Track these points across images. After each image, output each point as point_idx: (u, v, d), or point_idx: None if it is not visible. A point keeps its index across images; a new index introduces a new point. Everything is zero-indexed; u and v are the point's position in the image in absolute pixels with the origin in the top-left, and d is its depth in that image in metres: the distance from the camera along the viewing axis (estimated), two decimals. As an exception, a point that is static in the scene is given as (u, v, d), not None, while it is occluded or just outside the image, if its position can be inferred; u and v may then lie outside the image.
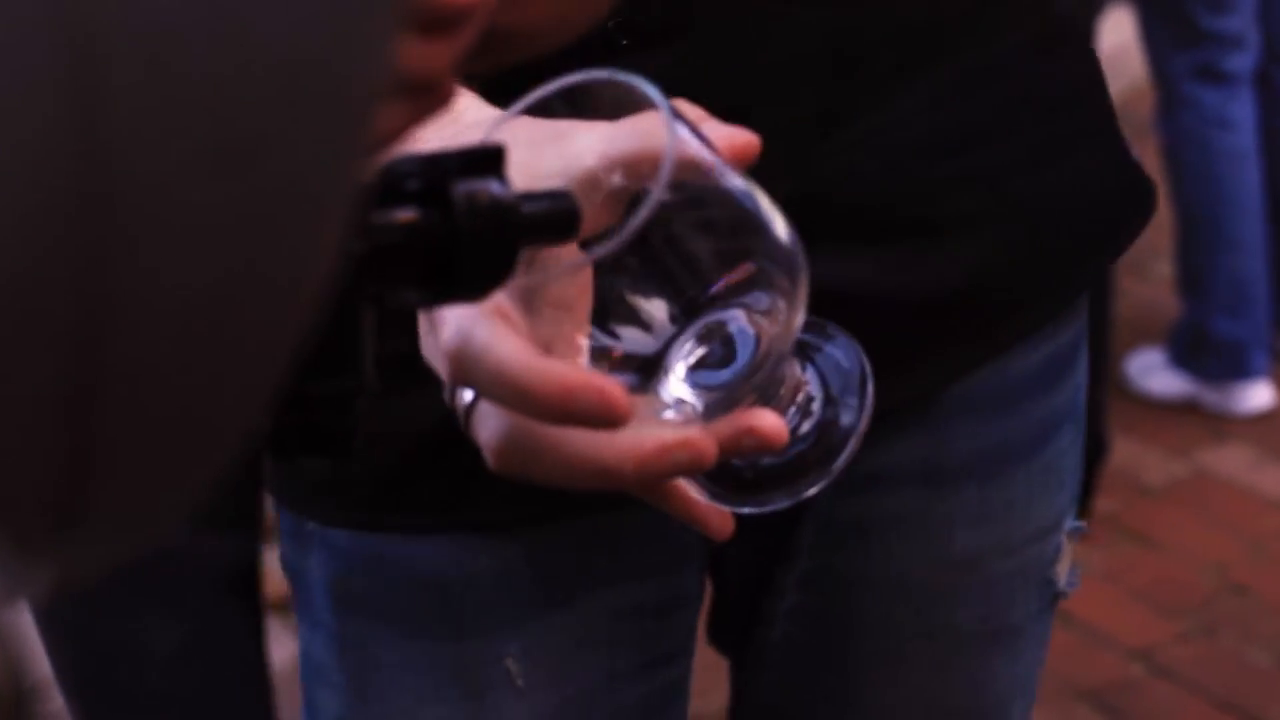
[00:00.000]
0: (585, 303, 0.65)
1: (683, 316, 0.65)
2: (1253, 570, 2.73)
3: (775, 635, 1.03)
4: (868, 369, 0.73)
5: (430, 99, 0.54)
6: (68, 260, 0.31)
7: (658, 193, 0.60)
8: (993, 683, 1.03)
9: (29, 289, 0.31)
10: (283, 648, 2.46)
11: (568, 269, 0.63)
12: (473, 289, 0.57)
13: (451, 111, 0.68)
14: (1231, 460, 3.04)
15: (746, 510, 0.72)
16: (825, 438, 0.72)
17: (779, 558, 1.00)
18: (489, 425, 0.65)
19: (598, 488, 0.64)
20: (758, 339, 0.66)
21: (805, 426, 0.72)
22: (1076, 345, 0.99)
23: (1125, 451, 2.93)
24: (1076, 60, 0.96)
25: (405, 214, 0.55)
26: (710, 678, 1.14)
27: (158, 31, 0.31)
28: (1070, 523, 1.02)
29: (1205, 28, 3.05)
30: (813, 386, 0.73)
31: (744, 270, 0.64)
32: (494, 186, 0.55)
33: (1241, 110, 3.10)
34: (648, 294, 0.65)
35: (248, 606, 1.99)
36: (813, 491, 0.72)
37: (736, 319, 0.66)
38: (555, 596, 0.93)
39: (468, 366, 0.62)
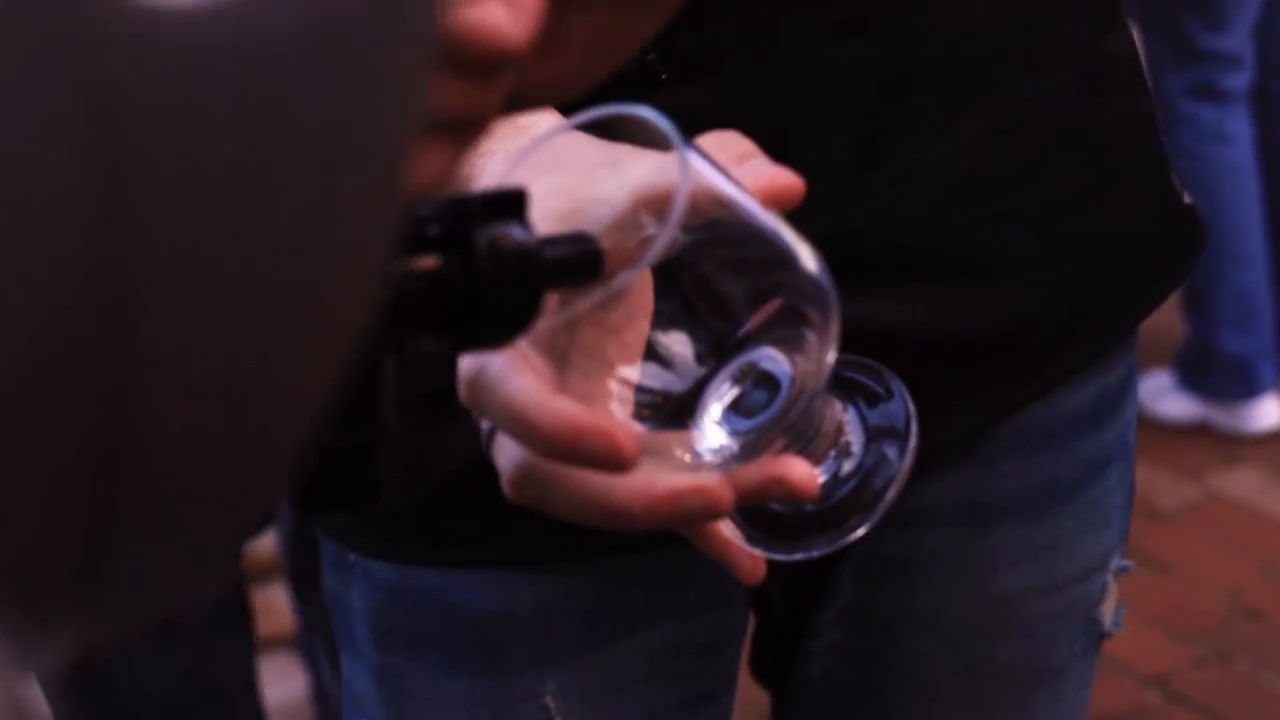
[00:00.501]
0: (614, 347, 0.64)
1: (713, 356, 0.64)
2: (1267, 594, 2.71)
3: (815, 671, 1.01)
4: (912, 410, 0.71)
5: (471, 135, 0.52)
6: (90, 328, 0.31)
7: (666, 232, 0.58)
8: (1035, 723, 1.01)
9: (51, 357, 0.31)
10: (288, 683, 2.44)
11: (567, 314, 0.61)
12: (496, 336, 0.56)
13: (521, 122, 0.67)
14: (1243, 483, 3.02)
15: (781, 557, 0.71)
16: (867, 482, 0.70)
17: (820, 594, 0.99)
18: (507, 454, 0.64)
19: (608, 527, 0.63)
20: (792, 378, 0.64)
21: (846, 468, 0.70)
22: (1126, 381, 0.98)
23: (1136, 476, 2.90)
24: (1126, 98, 0.95)
25: (427, 260, 0.54)
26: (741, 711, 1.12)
27: (181, 90, 0.31)
28: (1117, 562, 1.00)
29: (1202, 47, 3.05)
30: (853, 428, 0.71)
31: (773, 306, 0.63)
32: (516, 231, 0.54)
33: (1239, 125, 3.10)
34: (678, 334, 0.64)
35: (237, 644, 2.01)
36: (852, 538, 0.70)
37: (770, 358, 0.64)
38: (595, 634, 0.92)
39: (481, 396, 0.62)
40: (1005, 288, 0.88)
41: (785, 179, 0.64)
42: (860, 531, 0.70)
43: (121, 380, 0.31)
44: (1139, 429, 1.03)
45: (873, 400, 0.71)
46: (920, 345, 0.87)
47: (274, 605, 2.49)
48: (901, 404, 0.71)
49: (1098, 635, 1.01)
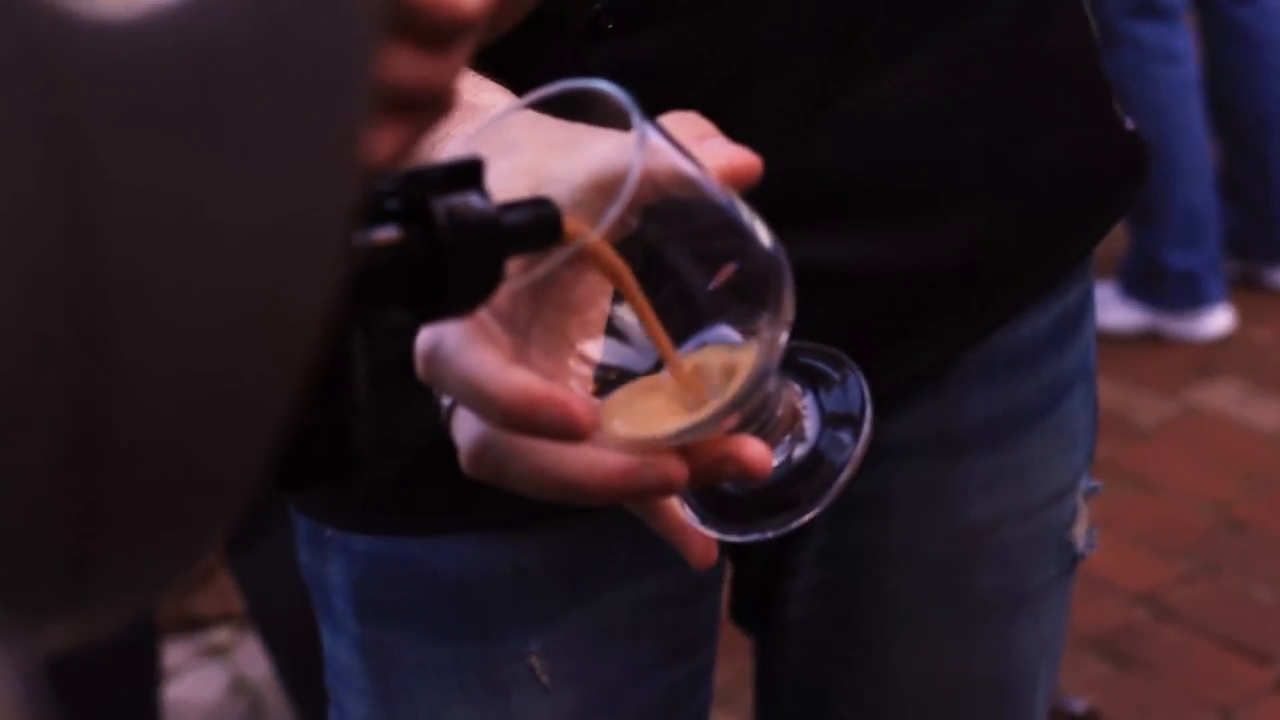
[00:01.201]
0: (576, 325, 0.64)
1: (671, 334, 0.64)
2: (1251, 506, 2.73)
3: (796, 613, 1.02)
4: (868, 397, 0.71)
5: (432, 113, 0.53)
6: (61, 329, 0.31)
7: (621, 199, 0.58)
8: (1017, 648, 1.02)
9: (24, 358, 0.31)
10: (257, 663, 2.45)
11: (526, 279, 0.61)
12: (460, 304, 0.56)
13: (479, 104, 0.67)
14: (1221, 395, 3.04)
15: (733, 538, 0.71)
16: (819, 466, 0.71)
17: (796, 535, 0.97)
18: (464, 429, 0.65)
19: (564, 501, 0.63)
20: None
21: (799, 451, 0.70)
22: (1084, 302, 0.99)
23: (1111, 394, 2.92)
24: (1068, 29, 0.95)
25: (387, 233, 0.54)
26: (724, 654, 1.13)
27: (135, 94, 0.31)
28: (1085, 483, 1.01)
29: None
30: (809, 412, 0.71)
31: (728, 280, 0.63)
32: (475, 200, 0.55)
33: (1182, 43, 3.11)
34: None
35: (138, 689, 2.03)
36: (803, 521, 0.70)
37: (726, 337, 0.64)
38: (577, 591, 0.93)
39: (437, 369, 0.61)
40: (959, 220, 0.89)
41: (743, 158, 0.64)
42: (810, 515, 0.70)
43: (95, 378, 0.32)
44: (1112, 349, 1.04)
45: (829, 386, 0.72)
46: (879, 281, 0.87)
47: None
48: (858, 390, 0.71)
49: (1072, 557, 1.02)
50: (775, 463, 0.68)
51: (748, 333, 0.64)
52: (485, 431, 0.63)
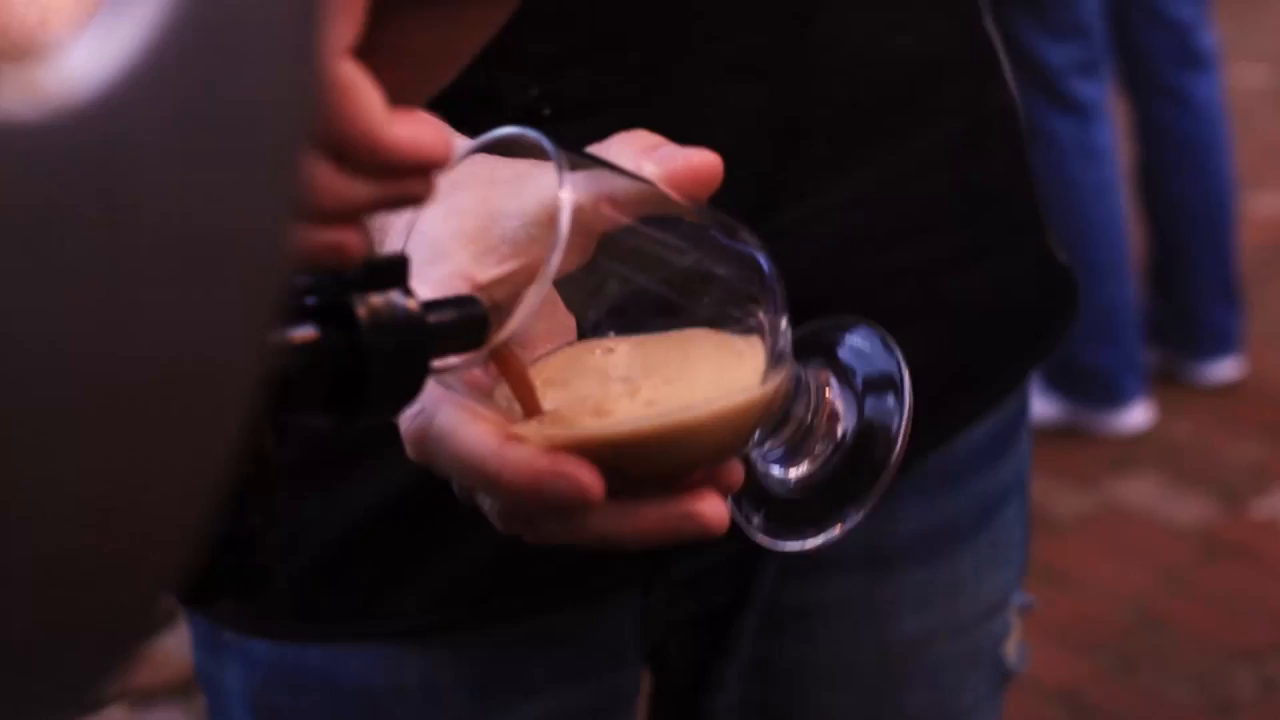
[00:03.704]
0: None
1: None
2: (1167, 603, 2.72)
3: (720, 729, 0.99)
4: (899, 354, 0.68)
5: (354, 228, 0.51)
6: None
7: (555, 256, 0.56)
8: (945, 769, 0.99)
9: None
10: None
11: (474, 362, 0.59)
12: (381, 407, 0.54)
13: None
14: (1137, 489, 3.03)
15: (812, 542, 0.67)
16: (871, 441, 0.67)
17: (721, 650, 0.96)
18: (488, 499, 0.63)
19: (481, 489, 0.61)
20: None
21: (845, 430, 0.67)
22: (1019, 417, 0.97)
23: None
24: (1007, 151, 0.94)
25: (305, 333, 0.52)
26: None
27: (44, 223, 0.30)
28: (1018, 598, 0.98)
29: (1042, 55, 3.05)
30: (837, 390, 0.68)
31: (707, 279, 0.61)
32: (398, 298, 0.53)
33: (1103, 139, 3.11)
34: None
35: None
36: (868, 507, 0.67)
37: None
38: (488, 704, 0.89)
39: (431, 450, 0.60)
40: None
41: (700, 158, 0.62)
42: (874, 500, 0.67)
43: None
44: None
45: (854, 357, 0.69)
46: None
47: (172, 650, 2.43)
48: (883, 350, 0.69)
49: (1003, 674, 1.00)
50: (818, 451, 0.66)
51: (744, 330, 0.62)
52: (421, 415, 0.61)
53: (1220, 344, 3.29)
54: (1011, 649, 1.00)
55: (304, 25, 0.35)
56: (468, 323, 0.57)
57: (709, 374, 0.61)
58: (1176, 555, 2.85)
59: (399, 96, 0.48)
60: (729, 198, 0.81)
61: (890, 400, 0.67)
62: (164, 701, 2.46)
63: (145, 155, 0.31)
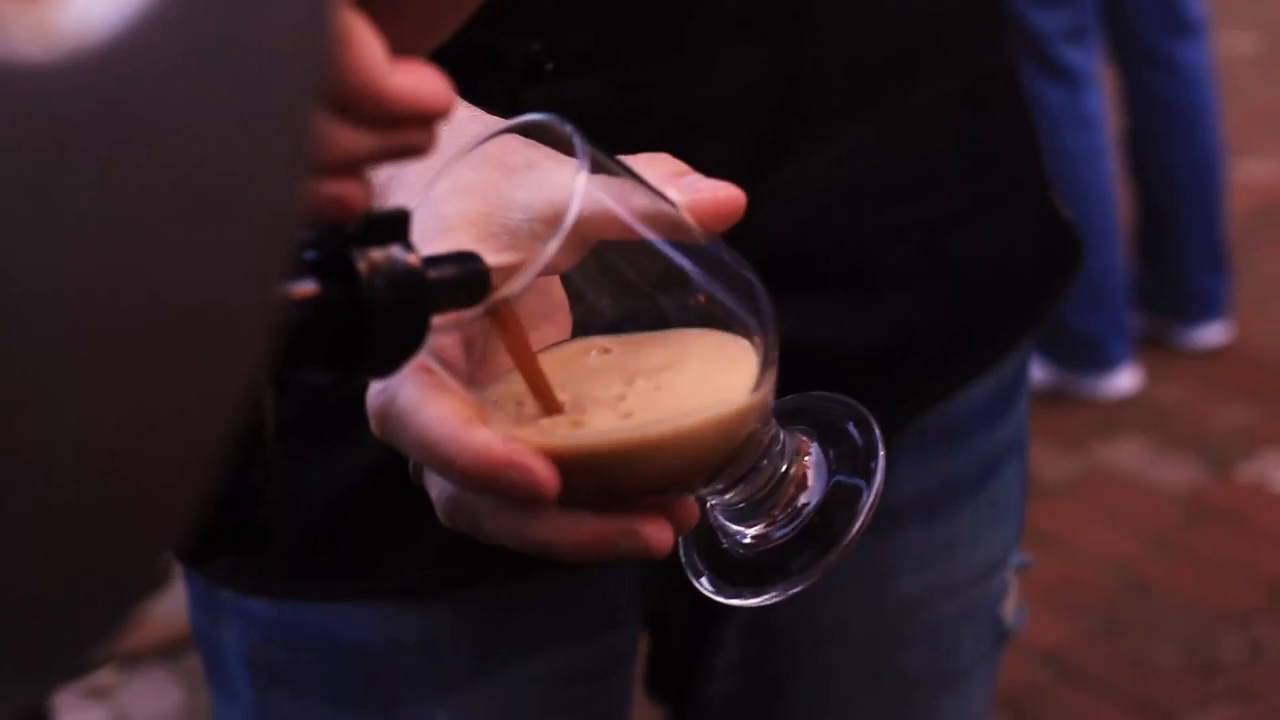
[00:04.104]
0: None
1: None
2: (1154, 566, 2.72)
3: (716, 689, 0.98)
4: (880, 442, 0.67)
5: (356, 180, 0.50)
6: None
7: (551, 244, 0.56)
8: (942, 727, 0.99)
9: None
10: (161, 698, 2.39)
11: (453, 326, 0.58)
12: (382, 363, 0.53)
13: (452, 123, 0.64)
14: (1125, 454, 3.03)
15: (749, 601, 0.66)
16: (830, 518, 0.66)
17: (718, 609, 0.95)
18: (436, 482, 0.62)
19: (437, 470, 0.60)
20: None
21: (806, 501, 0.66)
22: (1019, 374, 0.97)
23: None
24: (1008, 110, 0.93)
25: (306, 287, 0.51)
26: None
27: (56, 168, 0.29)
28: (1016, 558, 0.98)
29: (1034, 23, 3.04)
30: (814, 461, 0.67)
31: (702, 305, 0.60)
32: (399, 253, 0.52)
33: (1092, 105, 3.10)
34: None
35: None
36: (808, 582, 0.66)
37: None
38: (485, 663, 0.88)
39: (392, 427, 0.59)
40: (891, 301, 0.86)
41: (727, 192, 0.61)
42: (811, 579, 0.66)
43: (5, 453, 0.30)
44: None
45: (836, 433, 0.68)
46: (807, 358, 0.82)
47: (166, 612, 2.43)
48: (868, 436, 0.67)
49: (1000, 633, 1.00)
50: (777, 515, 0.65)
51: (736, 352, 0.61)
52: (383, 399, 0.60)
53: (1208, 309, 3.30)
54: (1009, 609, 0.99)
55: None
56: (469, 278, 0.56)
57: (697, 387, 0.60)
58: (1164, 519, 2.85)
59: (399, 49, 0.48)
60: (729, 154, 0.81)
61: (859, 487, 0.67)
62: (151, 663, 2.46)
63: (157, 99, 0.30)
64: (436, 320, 0.56)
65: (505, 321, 0.58)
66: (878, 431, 0.67)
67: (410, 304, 0.53)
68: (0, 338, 0.29)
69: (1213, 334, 3.31)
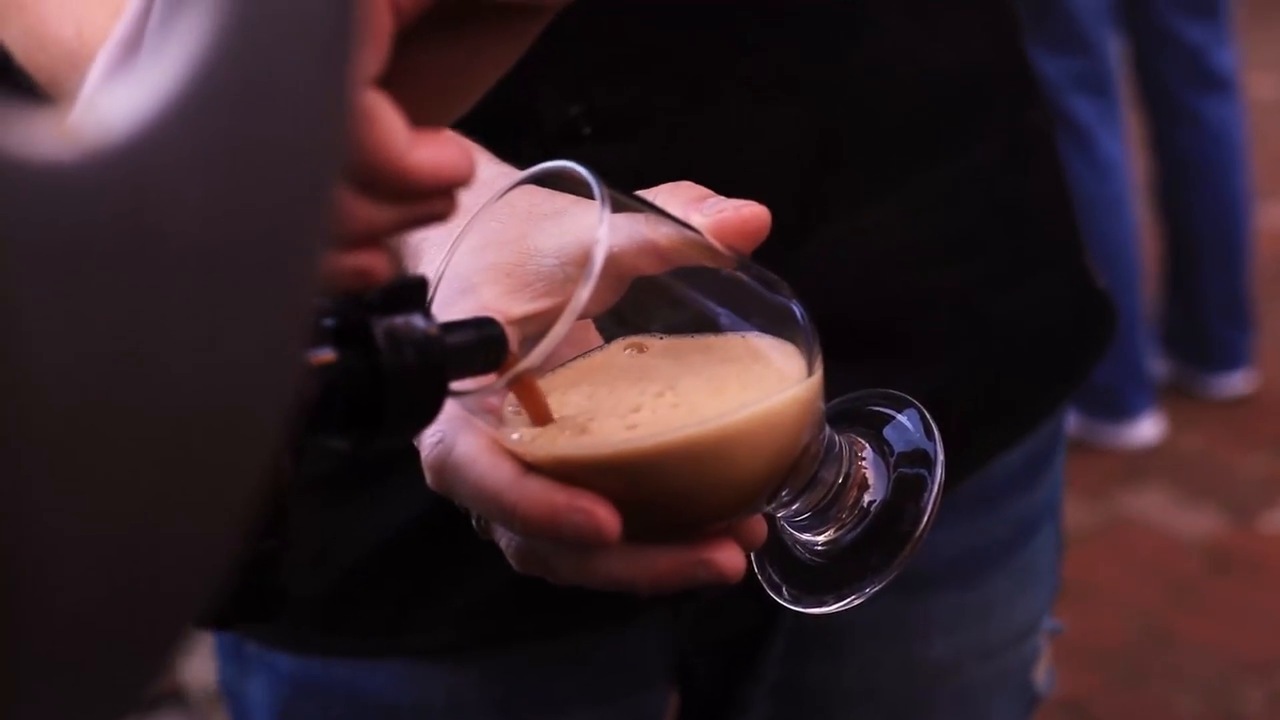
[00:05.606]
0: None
1: None
2: (1177, 616, 2.71)
3: (746, 750, 0.98)
4: (936, 432, 0.66)
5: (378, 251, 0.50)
6: None
7: (584, 291, 0.55)
8: (971, 793, 0.98)
9: None
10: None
11: (492, 389, 0.58)
12: (399, 429, 0.53)
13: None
14: (1149, 503, 3.02)
15: (827, 609, 0.66)
16: (898, 514, 0.66)
17: (749, 670, 0.95)
18: (504, 534, 0.61)
19: (498, 521, 0.60)
20: None
21: (871, 500, 0.66)
22: (1054, 441, 0.96)
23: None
24: (1045, 173, 0.93)
25: (324, 355, 0.52)
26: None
27: (79, 265, 0.29)
28: (1048, 623, 0.97)
29: (1041, 71, 3.03)
30: (871, 461, 0.66)
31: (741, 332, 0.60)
32: (416, 320, 0.53)
33: (1112, 154, 3.08)
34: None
35: None
36: (885, 580, 0.65)
37: None
38: None
39: (450, 481, 0.59)
40: (925, 366, 0.86)
41: (750, 209, 0.61)
42: (893, 571, 0.65)
43: (11, 546, 0.30)
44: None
45: (895, 432, 0.67)
46: None
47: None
48: (921, 427, 0.67)
49: (1031, 698, 0.99)
50: (844, 518, 0.65)
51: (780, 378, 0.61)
52: (441, 445, 0.60)
53: (1231, 358, 3.28)
54: (1040, 673, 0.99)
55: (335, 64, 0.35)
56: (486, 343, 0.56)
57: (739, 395, 0.60)
58: (1186, 568, 2.84)
59: (421, 119, 0.48)
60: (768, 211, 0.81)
61: (922, 477, 0.66)
62: (165, 710, 2.46)
63: (176, 193, 0.31)
64: (455, 385, 0.56)
65: (527, 389, 0.58)
66: (928, 416, 0.66)
67: (427, 371, 0.53)
68: (24, 428, 0.29)
69: (1236, 382, 3.30)
